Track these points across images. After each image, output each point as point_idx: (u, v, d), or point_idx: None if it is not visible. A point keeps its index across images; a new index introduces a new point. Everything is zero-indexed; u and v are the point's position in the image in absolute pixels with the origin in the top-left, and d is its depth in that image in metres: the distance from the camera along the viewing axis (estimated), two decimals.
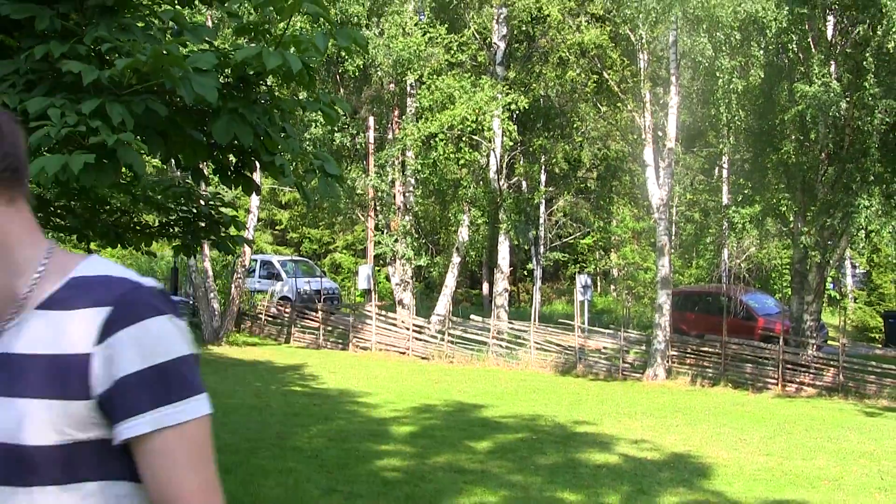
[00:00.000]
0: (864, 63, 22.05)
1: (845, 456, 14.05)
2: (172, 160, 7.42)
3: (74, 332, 1.87)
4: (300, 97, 9.72)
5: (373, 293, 32.95)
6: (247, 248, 30.51)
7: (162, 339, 1.92)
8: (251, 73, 6.59)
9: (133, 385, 1.86)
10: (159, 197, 9.70)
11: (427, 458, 12.80)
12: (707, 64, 23.80)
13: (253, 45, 6.63)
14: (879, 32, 21.80)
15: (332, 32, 6.38)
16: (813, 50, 23.46)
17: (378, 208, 34.43)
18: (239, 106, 6.42)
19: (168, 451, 1.87)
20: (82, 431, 1.86)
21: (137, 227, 10.50)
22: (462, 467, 12.23)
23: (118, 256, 50.42)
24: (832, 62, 23.52)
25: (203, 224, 9.95)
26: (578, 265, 45.91)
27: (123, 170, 6.51)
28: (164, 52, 5.75)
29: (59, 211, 10.44)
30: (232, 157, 7.50)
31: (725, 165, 34.01)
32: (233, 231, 9.44)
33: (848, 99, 22.58)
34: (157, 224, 10.54)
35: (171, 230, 10.19)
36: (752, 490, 11.26)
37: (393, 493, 10.45)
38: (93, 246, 11.21)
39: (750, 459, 13.48)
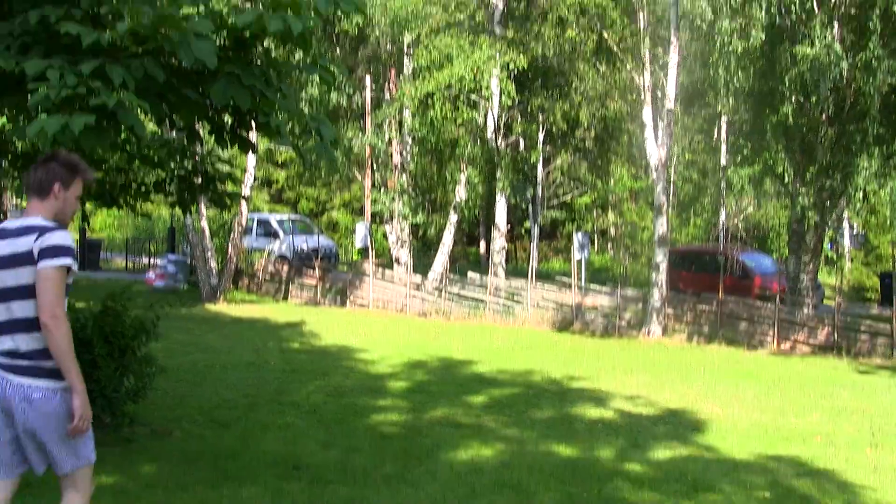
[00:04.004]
0: (870, 24, 21.98)
1: (838, 413, 14.15)
2: (168, 121, 7.44)
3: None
4: (296, 58, 9.71)
5: (370, 251, 32.96)
6: (244, 207, 30.52)
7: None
8: (248, 35, 6.61)
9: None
10: (155, 156, 9.73)
11: (424, 413, 12.89)
12: (705, 28, 23.74)
13: (249, 4, 6.66)
14: None
15: None
16: (816, 11, 23.37)
17: (375, 167, 34.40)
18: (236, 69, 6.45)
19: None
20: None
21: (133, 186, 10.53)
22: (458, 422, 12.33)
23: (115, 216, 50.45)
24: (835, 23, 23.43)
25: (199, 180, 9.98)
26: (576, 224, 45.93)
27: (123, 132, 6.55)
28: (164, 15, 5.78)
29: None
30: (228, 118, 7.53)
31: (724, 126, 33.99)
32: (229, 187, 9.48)
33: (850, 61, 22.53)
34: (153, 182, 10.57)
35: (168, 187, 10.22)
36: (746, 445, 11.35)
37: (390, 448, 10.54)
38: (88, 206, 11.27)
39: (744, 415, 13.57)
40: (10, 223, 5.08)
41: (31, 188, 5.10)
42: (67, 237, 4.93)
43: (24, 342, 4.87)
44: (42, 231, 4.87)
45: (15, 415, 4.88)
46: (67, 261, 4.84)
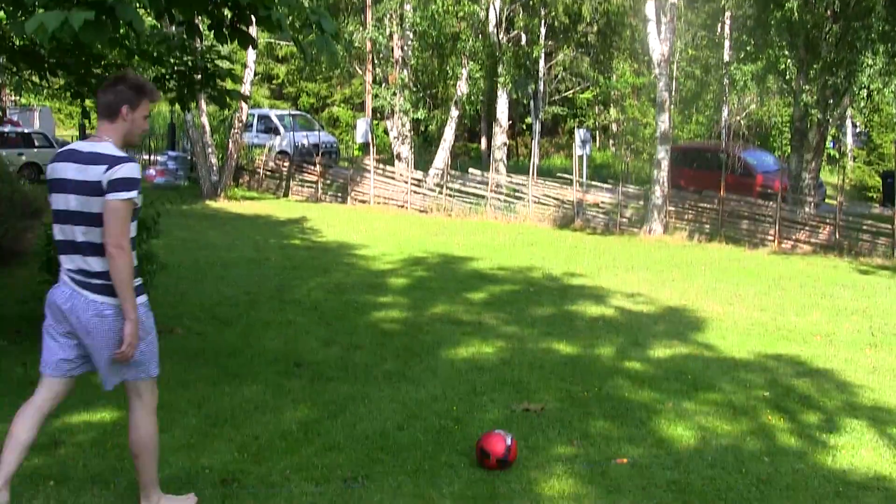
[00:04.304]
0: None
1: (838, 312, 14.19)
2: (167, 16, 7.32)
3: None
4: None
5: (371, 147, 32.83)
6: (244, 103, 30.32)
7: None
8: None
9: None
10: (154, 52, 9.60)
11: (424, 310, 12.94)
12: None
13: None
14: None
15: None
16: None
17: (376, 62, 34.11)
18: None
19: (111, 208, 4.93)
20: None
21: None
22: (459, 319, 12.37)
23: None
24: None
25: (199, 77, 9.87)
26: (577, 120, 45.73)
27: (122, 27, 6.43)
28: None
29: (53, 68, 10.35)
30: (227, 12, 7.41)
31: (728, 22, 33.61)
32: (229, 84, 9.38)
33: None
34: (152, 78, 10.45)
35: (167, 83, 10.11)
36: (746, 344, 11.41)
37: (391, 344, 10.59)
38: (88, 103, 11.15)
39: (744, 314, 13.62)
40: (82, 146, 5.19)
41: (99, 111, 5.23)
42: (136, 169, 5.10)
43: (95, 263, 5.10)
44: (112, 163, 5.01)
45: (84, 329, 5.16)
46: (134, 194, 5.02)
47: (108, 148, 5.11)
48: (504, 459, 6.57)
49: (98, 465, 6.37)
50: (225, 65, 10.17)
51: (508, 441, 6.64)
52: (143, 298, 5.27)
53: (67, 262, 5.17)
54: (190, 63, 9.83)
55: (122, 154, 5.11)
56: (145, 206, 10.48)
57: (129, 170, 5.04)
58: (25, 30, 5.62)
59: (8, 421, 6.99)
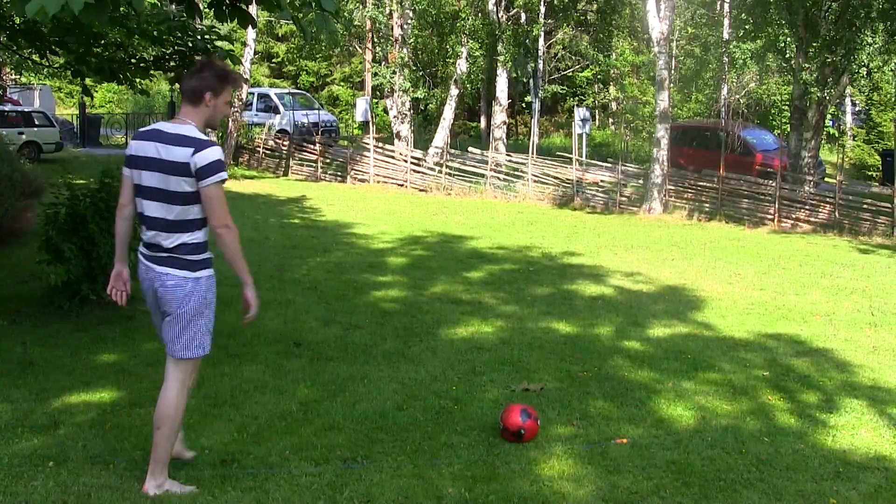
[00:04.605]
0: None
1: (838, 292, 14.18)
2: None
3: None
4: None
5: (371, 125, 32.80)
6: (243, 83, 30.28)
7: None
8: None
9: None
10: (154, 31, 9.57)
11: (424, 290, 12.93)
12: None
13: None
14: None
15: None
16: None
17: (376, 40, 34.02)
18: None
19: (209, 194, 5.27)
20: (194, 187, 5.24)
21: (132, 62, 10.39)
22: (459, 298, 12.37)
23: (115, 91, 50.11)
24: None
25: (199, 57, 9.84)
26: (577, 98, 45.65)
27: (122, 6, 6.41)
28: None
29: (53, 46, 10.33)
30: None
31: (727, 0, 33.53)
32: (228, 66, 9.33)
33: None
34: (152, 58, 10.44)
35: (167, 63, 10.09)
36: (745, 323, 11.40)
37: (391, 324, 10.59)
38: (88, 82, 11.12)
39: (744, 294, 13.62)
40: (166, 127, 5.44)
41: (184, 95, 5.49)
42: (219, 151, 5.42)
43: (166, 239, 5.39)
44: (198, 147, 5.29)
45: (157, 300, 5.52)
46: (225, 175, 5.38)
47: (192, 131, 5.36)
48: (526, 417, 6.74)
49: (97, 446, 6.38)
50: (224, 45, 10.14)
51: (538, 424, 6.86)
52: (209, 272, 5.55)
53: (145, 235, 5.47)
54: (190, 44, 9.81)
55: (205, 137, 5.36)
56: None
57: (215, 152, 5.31)
58: (28, 12, 5.61)
59: (8, 400, 7.02)
